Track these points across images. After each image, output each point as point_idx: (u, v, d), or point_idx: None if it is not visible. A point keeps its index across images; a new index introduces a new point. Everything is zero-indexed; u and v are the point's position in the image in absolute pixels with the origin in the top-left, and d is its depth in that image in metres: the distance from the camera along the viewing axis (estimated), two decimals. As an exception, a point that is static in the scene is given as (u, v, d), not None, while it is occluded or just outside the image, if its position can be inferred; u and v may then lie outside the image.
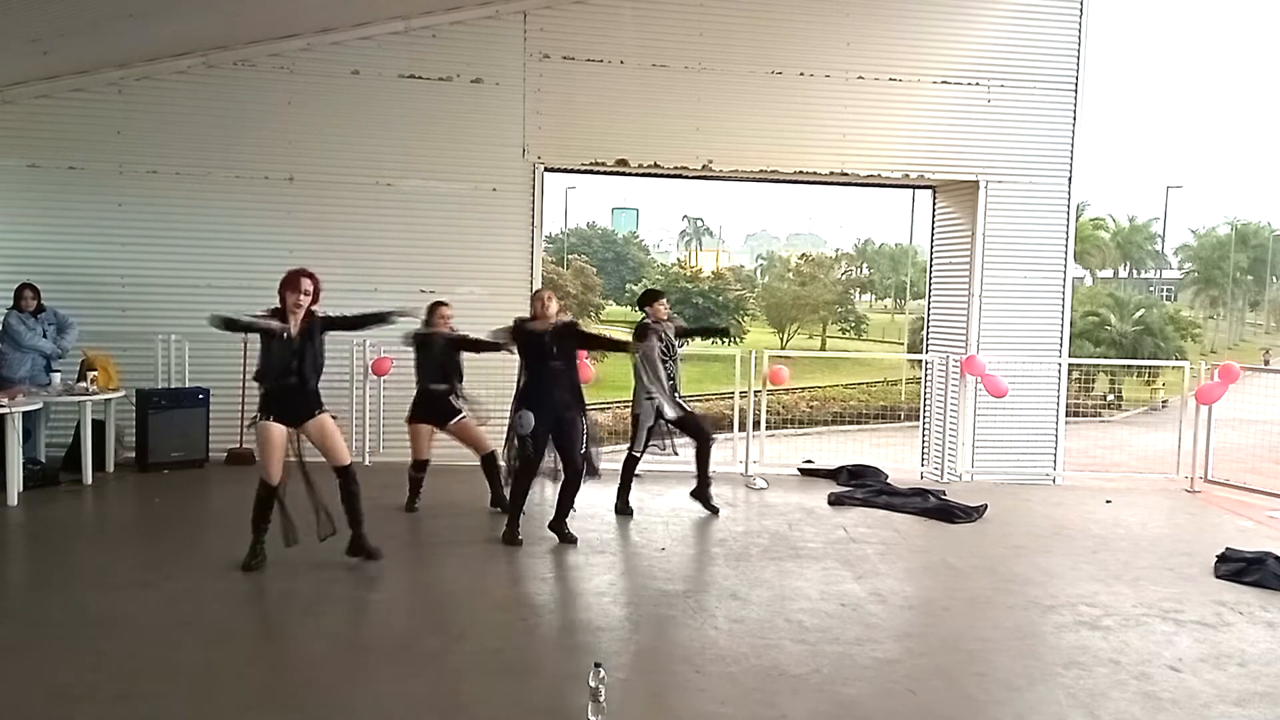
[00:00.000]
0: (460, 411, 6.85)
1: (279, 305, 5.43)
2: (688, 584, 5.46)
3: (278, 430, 5.43)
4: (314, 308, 5.47)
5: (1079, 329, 32.37)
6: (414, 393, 6.95)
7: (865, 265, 58.80)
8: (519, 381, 6.28)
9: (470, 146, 9.25)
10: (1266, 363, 36.60)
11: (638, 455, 7.15)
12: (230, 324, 5.34)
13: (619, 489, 7.16)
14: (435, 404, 6.82)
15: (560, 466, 6.24)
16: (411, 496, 7.02)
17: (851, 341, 46.58)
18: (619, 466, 7.18)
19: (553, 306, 6.23)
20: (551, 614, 4.99)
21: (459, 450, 7.15)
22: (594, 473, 6.42)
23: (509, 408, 6.35)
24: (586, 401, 6.42)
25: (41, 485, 7.37)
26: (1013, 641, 4.73)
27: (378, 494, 7.64)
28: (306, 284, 5.39)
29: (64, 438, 8.10)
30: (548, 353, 6.14)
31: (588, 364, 8.41)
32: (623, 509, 7.12)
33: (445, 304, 6.99)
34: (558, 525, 6.27)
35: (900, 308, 52.22)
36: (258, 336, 5.52)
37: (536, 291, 6.57)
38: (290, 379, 5.41)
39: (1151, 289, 55.96)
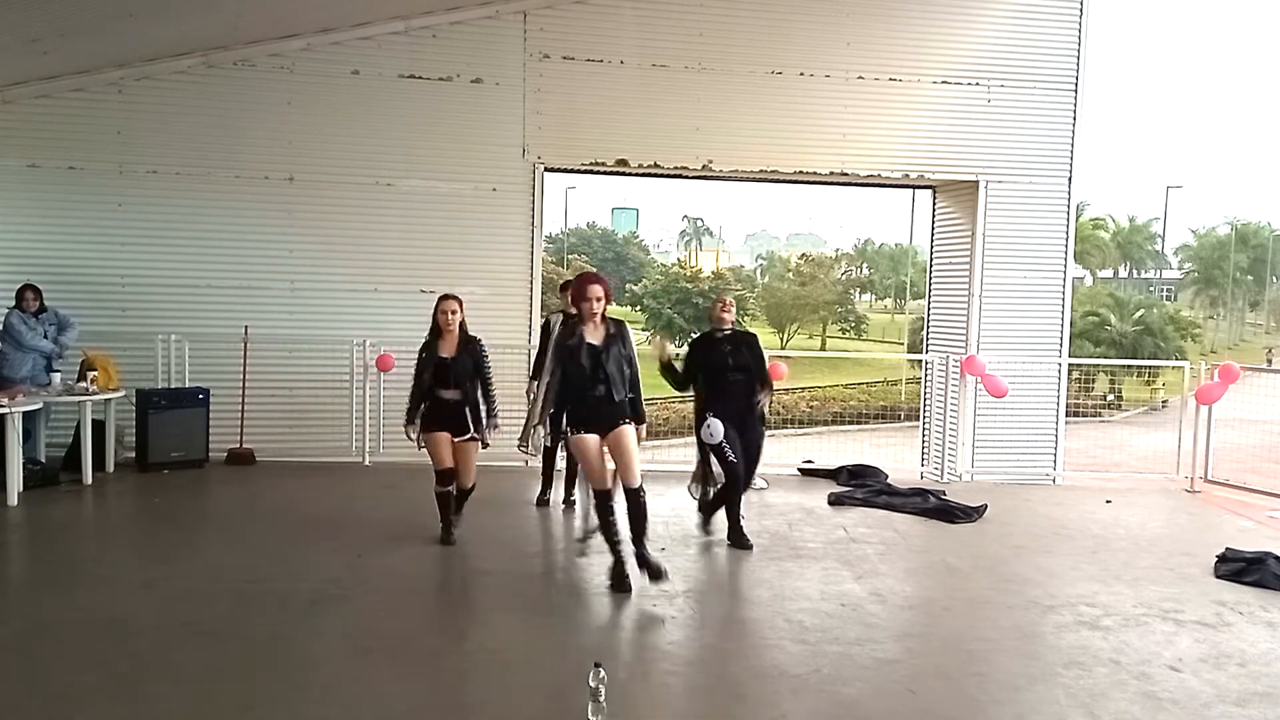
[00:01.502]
0: (470, 431, 6.07)
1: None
2: (688, 584, 5.46)
3: (592, 439, 5.19)
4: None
5: (1079, 329, 32.39)
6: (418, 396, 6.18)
7: (865, 265, 58.81)
8: (700, 392, 6.25)
9: (470, 146, 9.25)
10: (1270, 362, 36.63)
11: (547, 445, 7.21)
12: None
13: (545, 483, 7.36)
14: (448, 411, 6.03)
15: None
16: (445, 526, 6.15)
17: (851, 341, 46.60)
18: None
19: (729, 314, 6.22)
20: (551, 614, 4.99)
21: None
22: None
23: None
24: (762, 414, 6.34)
25: (41, 485, 7.36)
26: (1013, 641, 4.73)
27: (379, 494, 7.68)
28: (596, 289, 5.18)
29: (64, 438, 8.10)
30: (725, 362, 6.15)
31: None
32: (541, 500, 7.31)
33: (452, 297, 6.17)
34: (738, 537, 6.25)
35: (900, 308, 52.22)
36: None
37: (717, 296, 6.50)
38: (598, 389, 5.16)
39: (1151, 289, 55.99)
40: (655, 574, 5.11)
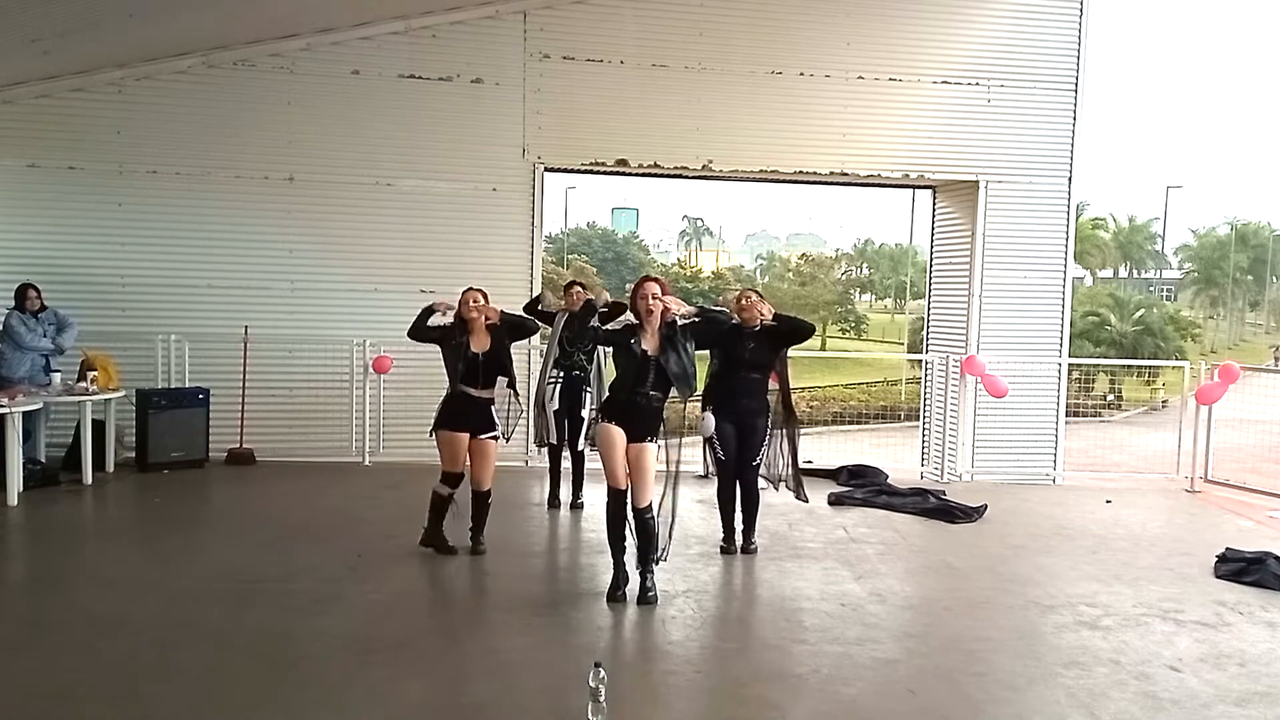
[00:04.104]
0: (495, 426, 5.83)
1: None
2: (688, 584, 5.46)
3: (619, 434, 5.06)
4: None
5: (1079, 329, 32.36)
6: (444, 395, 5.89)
7: (865, 265, 58.75)
8: (708, 384, 6.11)
9: (470, 146, 9.24)
10: (1277, 360, 36.58)
11: (552, 443, 7.21)
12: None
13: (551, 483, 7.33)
14: (473, 408, 5.77)
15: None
16: (432, 529, 5.88)
17: (851, 341, 46.57)
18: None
19: (755, 309, 5.94)
20: (551, 613, 4.99)
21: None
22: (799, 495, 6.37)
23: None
24: (777, 413, 6.17)
25: (41, 485, 7.37)
26: (1013, 641, 4.73)
27: (379, 494, 7.68)
28: (652, 287, 5.09)
29: (64, 438, 8.10)
30: (744, 358, 5.98)
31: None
32: (552, 502, 7.26)
33: (476, 290, 5.86)
34: (744, 541, 6.17)
35: (900, 308, 52.19)
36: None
37: (740, 291, 6.22)
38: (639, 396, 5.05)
39: (1151, 289, 55.96)
40: (643, 601, 5.05)
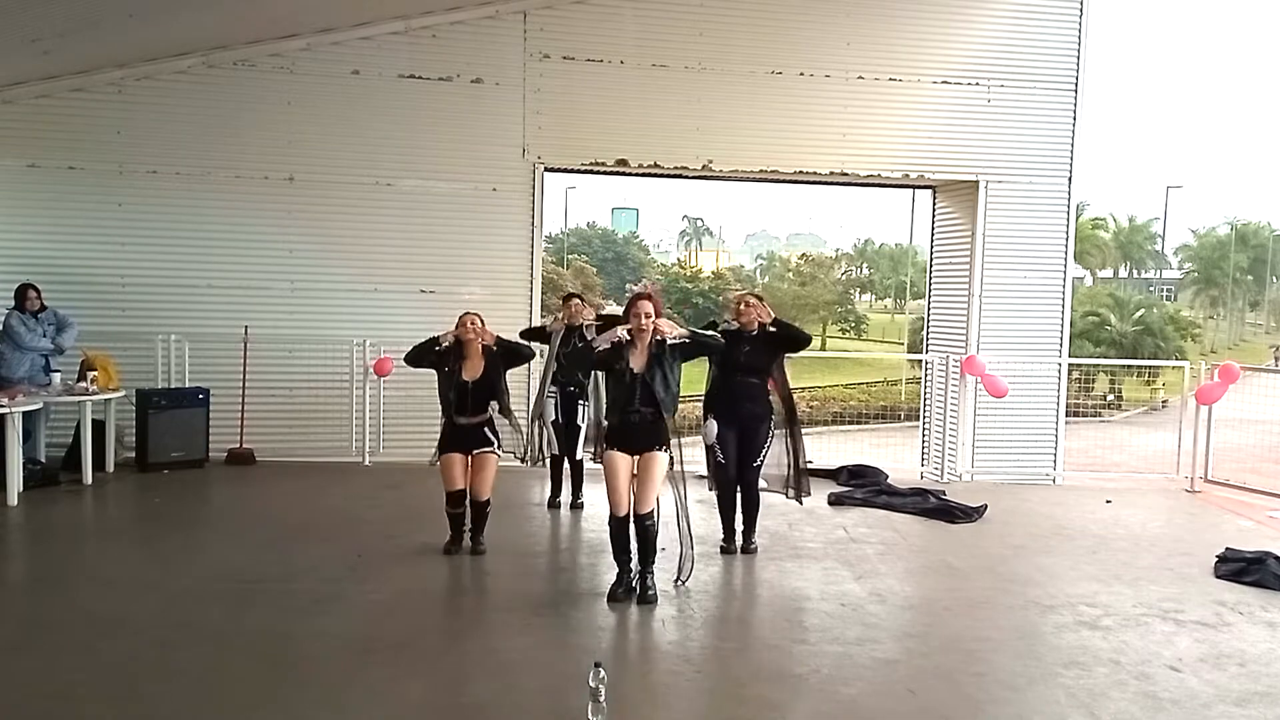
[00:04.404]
0: (492, 443, 5.98)
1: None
2: (688, 584, 5.46)
3: (623, 459, 5.14)
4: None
5: (1079, 329, 32.36)
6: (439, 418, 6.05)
7: (865, 265, 58.74)
8: (707, 389, 6.11)
9: (470, 146, 9.23)
10: (1277, 360, 36.58)
11: (555, 454, 7.26)
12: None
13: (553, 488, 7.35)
14: (463, 434, 5.92)
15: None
16: (452, 538, 6.00)
17: (851, 341, 46.57)
18: None
19: (754, 313, 5.90)
20: (551, 613, 4.99)
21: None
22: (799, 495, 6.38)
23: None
24: (780, 415, 6.16)
25: (41, 485, 7.37)
26: (1013, 641, 4.73)
27: (379, 494, 7.68)
28: (646, 306, 5.04)
29: (64, 438, 8.10)
30: (740, 362, 5.94)
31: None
32: (552, 503, 7.28)
33: (473, 313, 5.99)
34: (744, 542, 6.19)
35: (900, 308, 52.19)
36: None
37: (739, 295, 6.20)
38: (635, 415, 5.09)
39: (1151, 289, 55.95)
40: (643, 600, 5.10)
